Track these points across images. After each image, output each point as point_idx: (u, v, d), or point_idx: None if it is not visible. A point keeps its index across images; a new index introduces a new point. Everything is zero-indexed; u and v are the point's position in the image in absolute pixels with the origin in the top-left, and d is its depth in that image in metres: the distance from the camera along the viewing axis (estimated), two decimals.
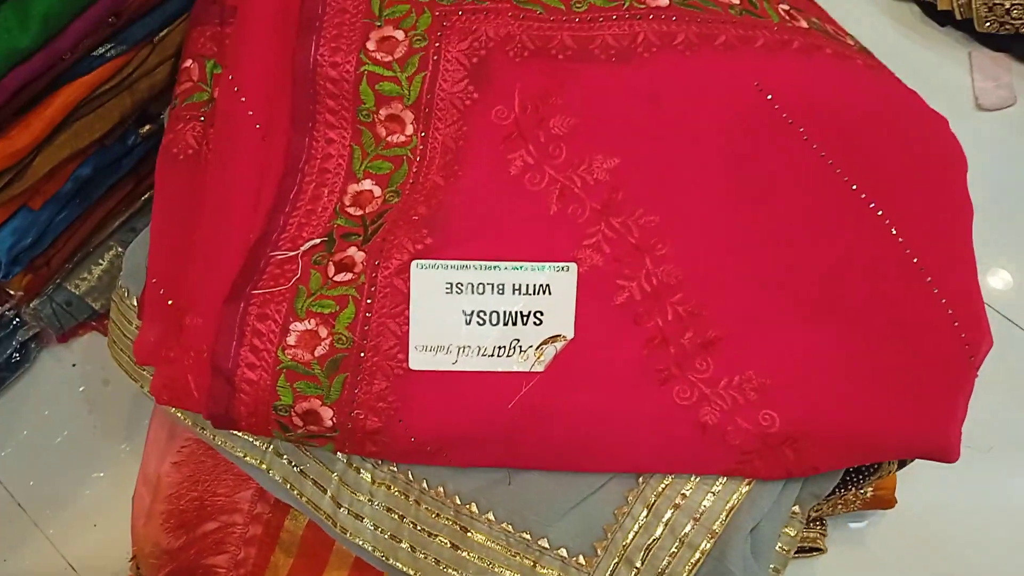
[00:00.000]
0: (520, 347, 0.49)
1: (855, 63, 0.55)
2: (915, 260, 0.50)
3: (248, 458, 0.57)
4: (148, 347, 0.54)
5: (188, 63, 0.59)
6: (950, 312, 0.50)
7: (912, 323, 0.50)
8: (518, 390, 0.49)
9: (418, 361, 0.49)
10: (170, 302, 0.54)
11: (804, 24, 0.57)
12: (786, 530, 0.52)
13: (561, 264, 0.50)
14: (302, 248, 0.51)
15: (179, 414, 0.58)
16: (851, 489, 0.56)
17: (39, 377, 0.88)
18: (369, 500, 0.53)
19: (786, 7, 0.58)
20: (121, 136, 0.72)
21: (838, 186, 0.51)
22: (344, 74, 0.54)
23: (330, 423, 0.50)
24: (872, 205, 0.50)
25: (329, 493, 0.54)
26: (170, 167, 0.57)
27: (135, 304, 0.59)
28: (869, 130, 0.53)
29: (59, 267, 0.80)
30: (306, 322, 0.49)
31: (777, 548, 0.52)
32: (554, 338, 0.49)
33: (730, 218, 0.51)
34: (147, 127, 0.74)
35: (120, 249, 0.84)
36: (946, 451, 0.50)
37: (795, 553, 0.57)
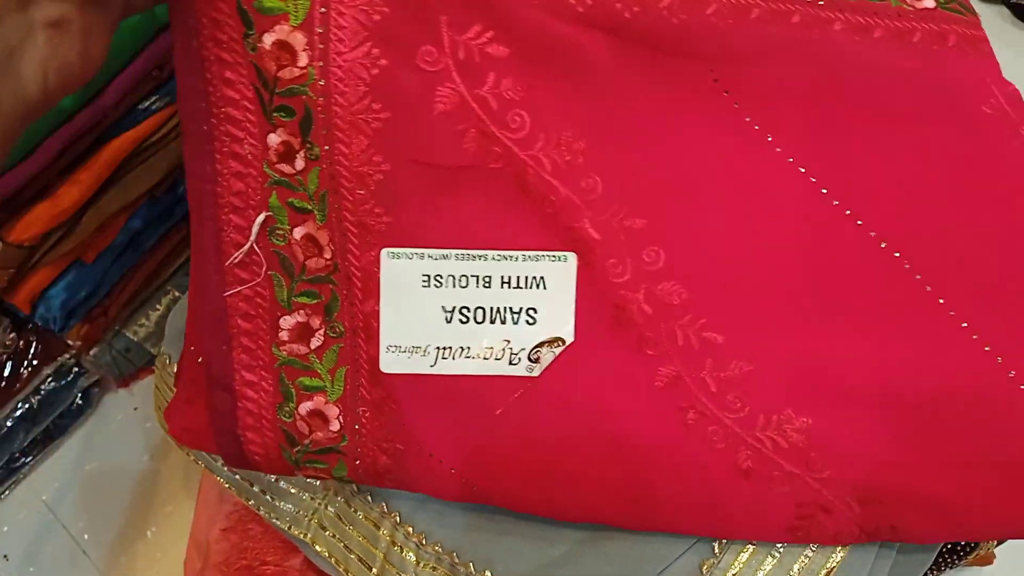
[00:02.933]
0: (511, 349, 0.44)
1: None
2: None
3: (293, 530, 0.55)
4: (179, 415, 0.52)
5: None
6: None
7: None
8: (510, 396, 0.44)
9: (390, 363, 0.45)
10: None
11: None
12: None
13: (558, 253, 0.44)
14: (254, 232, 0.45)
15: (225, 484, 0.56)
16: (945, 571, 0.50)
17: (102, 421, 0.88)
18: None
19: None
20: (171, 186, 0.72)
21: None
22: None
23: (337, 425, 0.46)
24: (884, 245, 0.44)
25: (374, 571, 0.51)
26: None
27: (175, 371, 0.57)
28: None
29: (116, 315, 0.79)
30: (296, 314, 0.45)
31: None
32: (552, 341, 0.44)
33: (748, 231, 0.45)
34: None
35: (177, 293, 0.84)
36: None
37: None
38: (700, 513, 0.45)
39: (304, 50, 0.42)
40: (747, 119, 0.44)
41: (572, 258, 0.44)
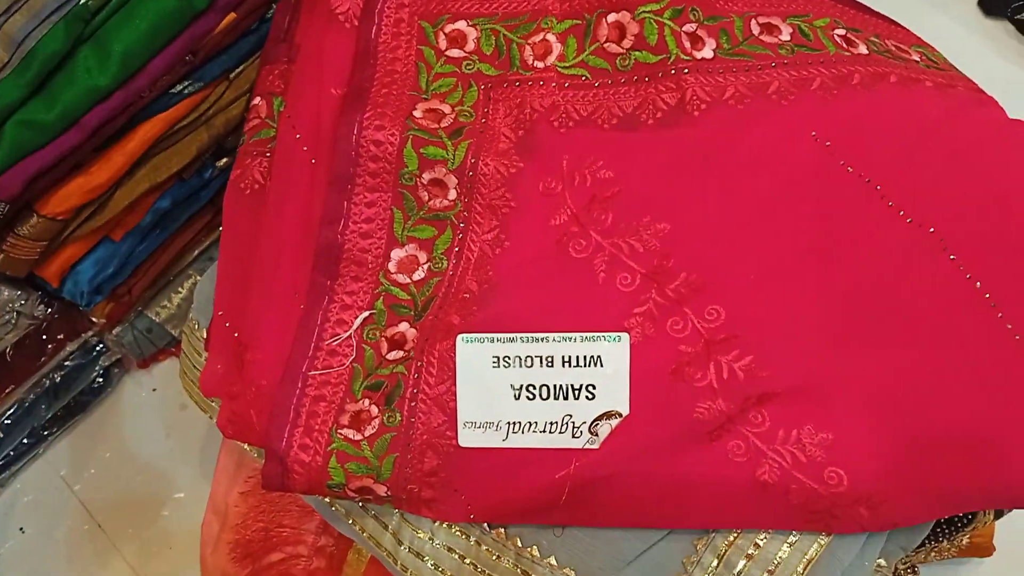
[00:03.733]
0: (573, 423, 0.47)
1: (922, 87, 0.53)
2: (992, 305, 0.46)
3: None
4: (214, 379, 0.55)
5: (257, 100, 0.60)
6: None
7: (988, 366, 0.47)
8: (570, 464, 0.47)
9: (468, 438, 0.48)
10: (236, 335, 0.55)
11: (863, 49, 0.55)
12: None
13: (612, 334, 0.48)
14: (355, 325, 0.51)
15: (246, 446, 0.58)
16: (943, 541, 0.52)
17: (120, 401, 0.90)
18: (430, 538, 0.52)
19: (842, 32, 0.56)
20: (198, 170, 0.74)
21: (908, 232, 0.48)
22: (389, 137, 0.54)
23: (384, 495, 0.49)
24: (944, 247, 0.48)
25: (390, 529, 0.54)
26: (237, 201, 0.58)
27: (204, 336, 0.60)
28: (941, 166, 0.50)
29: (140, 295, 0.82)
30: (361, 402, 0.49)
31: None
32: (608, 414, 0.47)
33: (788, 275, 0.49)
34: (223, 160, 0.76)
35: (199, 277, 0.86)
36: None
37: None
38: (709, 519, 0.48)
39: (455, 187, 0.53)
40: (841, 162, 0.51)
41: (625, 338, 0.48)
